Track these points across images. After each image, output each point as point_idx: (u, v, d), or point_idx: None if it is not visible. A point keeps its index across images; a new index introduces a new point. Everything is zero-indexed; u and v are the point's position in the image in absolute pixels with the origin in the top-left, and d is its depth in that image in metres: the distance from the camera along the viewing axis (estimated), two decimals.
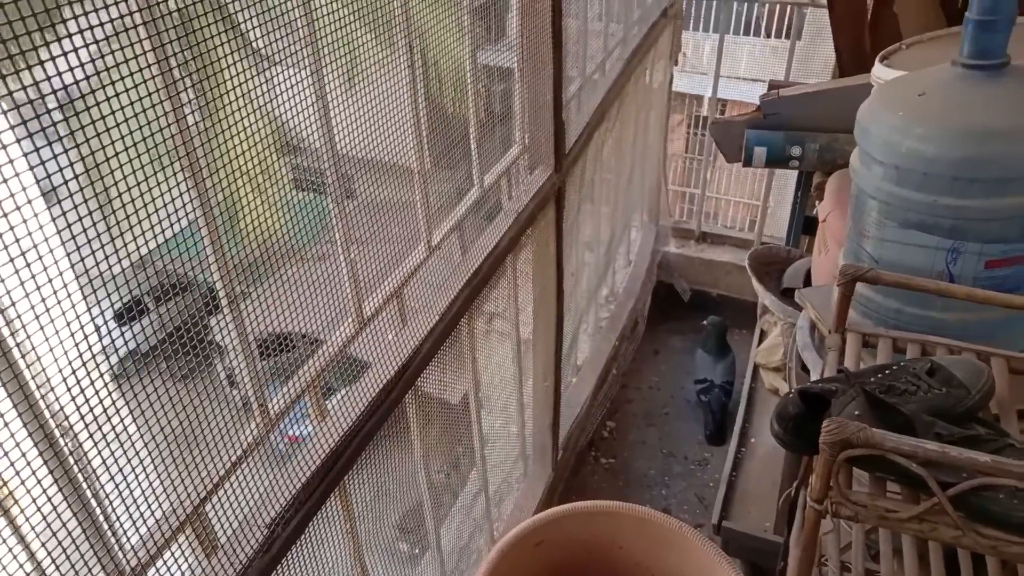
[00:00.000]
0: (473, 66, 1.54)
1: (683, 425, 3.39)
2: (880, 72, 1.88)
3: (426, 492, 1.66)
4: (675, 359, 3.73)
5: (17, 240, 0.68)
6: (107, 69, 0.76)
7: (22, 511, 0.71)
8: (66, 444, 0.72)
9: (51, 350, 0.74)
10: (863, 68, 2.45)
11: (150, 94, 0.82)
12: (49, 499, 0.73)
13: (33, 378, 0.70)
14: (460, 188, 1.68)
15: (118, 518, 0.78)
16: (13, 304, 0.69)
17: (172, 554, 0.83)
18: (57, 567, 0.69)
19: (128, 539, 0.78)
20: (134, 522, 0.79)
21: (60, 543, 0.70)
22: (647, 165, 3.74)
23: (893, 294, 1.46)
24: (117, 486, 0.79)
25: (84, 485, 0.74)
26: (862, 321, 1.53)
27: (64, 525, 0.71)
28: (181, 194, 0.90)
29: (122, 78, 0.78)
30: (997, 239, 1.34)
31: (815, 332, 1.82)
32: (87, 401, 0.75)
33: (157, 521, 0.83)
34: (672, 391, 3.62)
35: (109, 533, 0.75)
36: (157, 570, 0.81)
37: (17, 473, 0.70)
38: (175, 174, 0.89)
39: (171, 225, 0.89)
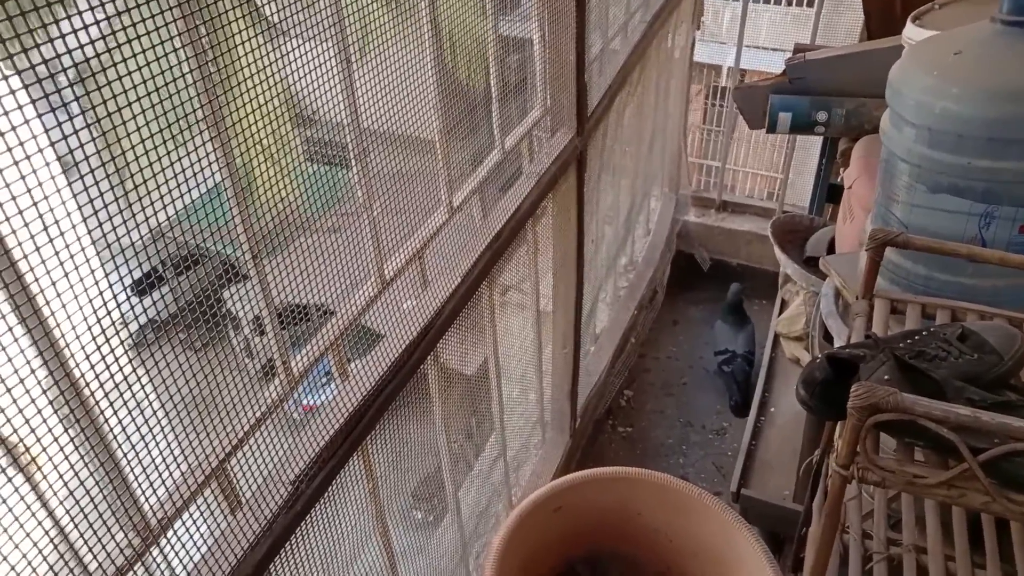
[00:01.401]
0: (495, 28, 1.51)
1: (701, 395, 3.38)
2: (912, 33, 1.82)
3: (445, 455, 1.67)
4: (694, 329, 3.71)
5: (39, 213, 0.67)
6: (134, 37, 0.75)
7: (55, 467, 0.71)
8: (93, 398, 0.72)
9: (81, 311, 0.74)
10: (892, 31, 2.38)
11: (170, 66, 0.80)
12: (77, 449, 0.74)
13: (63, 336, 0.70)
14: (481, 152, 1.66)
15: (144, 470, 0.78)
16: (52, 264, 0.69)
17: (198, 508, 0.84)
18: (85, 516, 0.69)
19: (154, 492, 0.79)
20: (160, 475, 0.79)
21: (88, 492, 0.70)
22: (668, 133, 3.69)
23: (923, 260, 1.43)
24: (135, 445, 0.79)
25: (111, 438, 0.74)
26: (890, 288, 1.50)
27: (92, 474, 0.71)
28: (208, 164, 0.89)
29: (144, 47, 0.76)
30: None
31: (840, 300, 1.79)
32: (116, 362, 0.75)
33: (183, 474, 0.84)
34: (691, 361, 3.60)
35: (136, 486, 0.76)
36: (183, 523, 0.81)
37: (50, 430, 0.70)
38: (196, 146, 0.88)
39: (195, 191, 0.88)
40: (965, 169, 1.31)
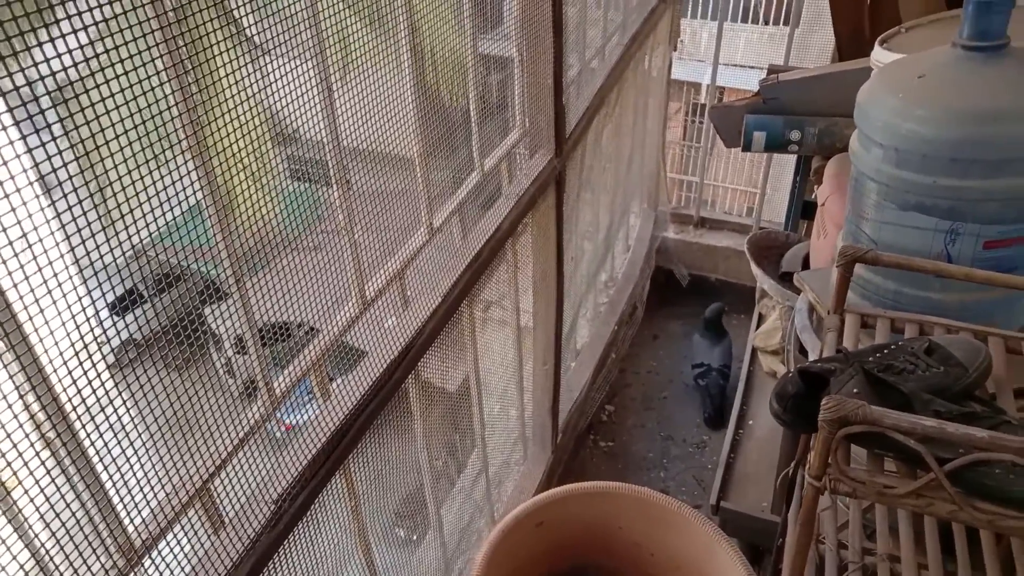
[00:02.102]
0: (474, 51, 1.54)
1: (681, 409, 3.41)
2: (880, 55, 1.88)
3: (427, 472, 1.68)
4: (674, 344, 3.75)
5: (23, 232, 0.68)
6: (106, 51, 0.76)
7: (40, 488, 0.72)
8: (77, 419, 0.73)
9: (53, 335, 0.74)
10: (862, 53, 2.45)
11: (147, 78, 0.81)
12: (57, 477, 0.74)
13: (46, 353, 0.71)
14: (461, 172, 1.68)
15: (129, 492, 0.79)
16: (29, 291, 0.70)
17: (181, 528, 0.84)
18: (71, 538, 0.70)
19: (139, 513, 0.80)
20: (144, 496, 0.80)
21: (73, 514, 0.71)
22: (646, 151, 3.75)
23: (892, 275, 1.47)
24: (120, 467, 0.80)
25: (96, 460, 0.75)
26: (861, 303, 1.54)
27: (78, 497, 0.72)
28: (181, 181, 0.90)
29: (122, 63, 0.78)
30: (995, 220, 1.35)
31: (813, 314, 1.83)
32: (90, 383, 0.76)
33: (167, 495, 0.85)
34: (671, 375, 3.64)
35: (120, 507, 0.76)
36: (167, 543, 0.82)
37: (36, 452, 0.71)
38: (174, 162, 0.89)
39: (172, 212, 0.89)
40: (930, 188, 1.36)
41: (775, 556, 1.79)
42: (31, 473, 0.69)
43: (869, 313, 1.42)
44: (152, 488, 0.82)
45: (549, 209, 2.06)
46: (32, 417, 0.72)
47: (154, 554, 0.80)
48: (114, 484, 0.77)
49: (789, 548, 1.29)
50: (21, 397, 0.72)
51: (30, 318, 0.71)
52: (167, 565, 0.81)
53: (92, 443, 0.75)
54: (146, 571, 0.79)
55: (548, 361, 2.36)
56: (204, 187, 0.89)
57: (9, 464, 0.69)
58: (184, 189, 0.90)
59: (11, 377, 0.71)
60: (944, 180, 1.33)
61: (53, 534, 0.72)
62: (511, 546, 1.60)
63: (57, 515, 0.72)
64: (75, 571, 0.70)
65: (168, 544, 0.82)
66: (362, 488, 1.26)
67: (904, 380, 1.14)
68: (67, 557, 0.70)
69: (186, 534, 0.86)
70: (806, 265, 2.49)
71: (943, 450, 0.97)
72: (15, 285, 0.68)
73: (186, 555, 0.84)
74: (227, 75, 0.92)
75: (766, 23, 8.72)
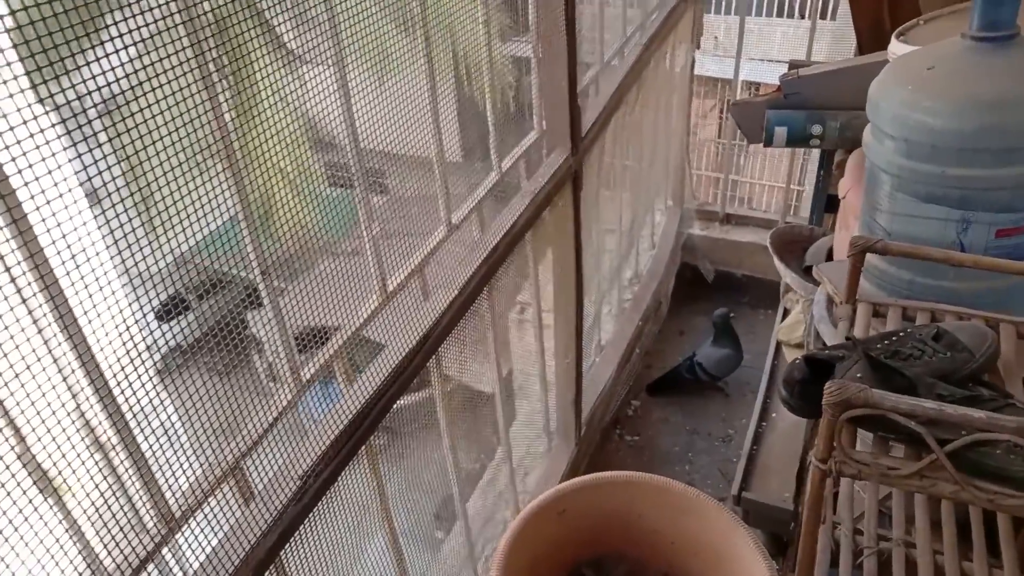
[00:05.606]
0: (489, 56, 1.59)
1: (706, 403, 3.43)
2: (896, 48, 1.89)
3: (450, 461, 1.73)
4: (699, 339, 3.76)
5: (67, 241, 0.73)
6: (147, 67, 0.82)
7: (97, 465, 0.79)
8: (127, 405, 0.80)
9: (102, 334, 0.81)
10: (883, 46, 2.45)
11: (190, 95, 0.86)
12: (108, 453, 0.81)
13: (101, 350, 0.78)
14: (479, 171, 1.74)
15: (171, 468, 0.86)
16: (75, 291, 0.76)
17: (216, 500, 0.91)
18: (112, 514, 0.77)
19: (179, 486, 0.87)
20: (183, 471, 0.87)
21: (123, 484, 0.78)
22: (670, 148, 3.76)
23: (905, 265, 1.49)
24: (165, 451, 0.87)
25: (145, 447, 0.82)
26: (875, 292, 1.56)
27: (128, 470, 0.79)
28: (221, 192, 0.94)
29: (160, 76, 0.84)
30: (1006, 208, 1.36)
31: (831, 305, 1.85)
32: (147, 371, 0.82)
33: (204, 470, 0.92)
34: None
35: (162, 480, 0.84)
36: (204, 513, 0.89)
37: (95, 436, 0.78)
38: (213, 173, 0.94)
39: (209, 222, 0.93)
40: (941, 178, 1.37)
41: (793, 544, 1.81)
42: (87, 447, 0.76)
43: (881, 302, 1.45)
44: (191, 465, 0.89)
45: (567, 205, 2.10)
46: (84, 411, 0.80)
47: (192, 522, 0.88)
48: (157, 463, 0.84)
49: (800, 532, 1.32)
50: (71, 396, 0.79)
51: (89, 321, 0.77)
52: (203, 531, 0.88)
53: (145, 437, 0.82)
54: (185, 537, 0.87)
55: (570, 355, 2.41)
56: (242, 197, 0.94)
57: (70, 438, 0.76)
58: (223, 200, 0.94)
59: (73, 372, 0.78)
60: (953, 170, 1.35)
61: (106, 501, 0.79)
62: (534, 533, 1.64)
63: (109, 484, 0.79)
64: (124, 535, 0.78)
65: (204, 513, 0.90)
66: (385, 468, 1.32)
67: (911, 366, 1.17)
68: (117, 522, 0.77)
69: (220, 505, 0.93)
70: (830, 259, 2.50)
71: (945, 432, 1.00)
72: (72, 284, 0.75)
73: (220, 524, 0.91)
74: (266, 86, 0.97)
75: (803, 17, 8.62)
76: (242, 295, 1.07)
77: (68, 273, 0.74)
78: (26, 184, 0.69)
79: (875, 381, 1.10)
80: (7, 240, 0.70)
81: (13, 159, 0.67)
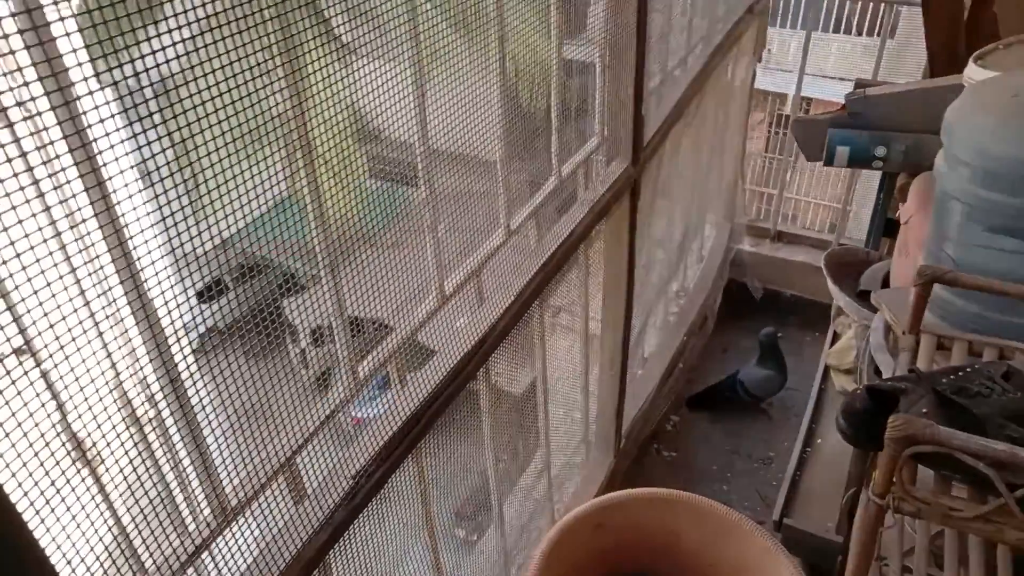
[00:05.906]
0: (559, 60, 1.59)
1: (748, 423, 3.37)
2: (973, 72, 1.83)
3: (492, 466, 1.73)
4: (743, 358, 3.70)
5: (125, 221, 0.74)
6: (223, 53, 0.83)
7: (165, 450, 0.80)
8: (194, 391, 0.81)
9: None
10: (956, 69, 2.38)
11: (243, 71, 0.85)
12: (166, 444, 0.83)
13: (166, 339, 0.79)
14: (539, 177, 1.73)
15: (223, 462, 0.87)
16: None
17: (266, 499, 0.92)
18: (172, 500, 0.78)
19: (231, 480, 0.88)
20: (235, 466, 0.88)
21: (184, 472, 0.79)
22: (725, 162, 3.71)
23: (974, 298, 1.44)
24: (220, 445, 0.87)
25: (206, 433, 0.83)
26: (938, 324, 1.51)
27: (189, 455, 0.80)
28: (279, 178, 0.95)
29: (219, 58, 0.84)
30: None
31: (890, 334, 1.80)
32: (203, 354, 0.83)
33: (256, 466, 0.92)
34: None
35: (219, 471, 0.85)
36: (251, 512, 0.90)
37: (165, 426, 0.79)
38: (267, 158, 0.94)
39: (261, 207, 0.93)
40: (1019, 210, 1.33)
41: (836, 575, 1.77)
42: (145, 437, 0.78)
43: (946, 335, 1.40)
44: (245, 460, 0.90)
45: (623, 217, 2.09)
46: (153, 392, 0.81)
47: (247, 515, 0.88)
48: (215, 457, 0.85)
49: (849, 567, 1.28)
50: (121, 390, 0.80)
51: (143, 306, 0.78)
52: (258, 526, 0.89)
53: (203, 417, 0.83)
54: (240, 530, 0.88)
55: (614, 366, 2.38)
56: (295, 183, 0.96)
57: (130, 429, 0.78)
58: (275, 184, 0.94)
59: (137, 356, 0.79)
60: None
61: (167, 486, 0.80)
62: (570, 544, 1.63)
63: (173, 465, 0.81)
64: (183, 522, 0.79)
65: (252, 513, 0.90)
66: (431, 475, 1.33)
67: (978, 403, 1.12)
68: (177, 507, 0.78)
69: (273, 502, 0.93)
70: (886, 284, 2.43)
71: (1015, 475, 0.96)
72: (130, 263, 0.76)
73: (274, 520, 0.92)
74: (322, 78, 0.97)
75: (859, 33, 8.43)
76: (280, 282, 1.07)
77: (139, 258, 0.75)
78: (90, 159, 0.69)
79: (941, 418, 1.06)
80: (74, 212, 0.70)
81: (65, 137, 0.67)
